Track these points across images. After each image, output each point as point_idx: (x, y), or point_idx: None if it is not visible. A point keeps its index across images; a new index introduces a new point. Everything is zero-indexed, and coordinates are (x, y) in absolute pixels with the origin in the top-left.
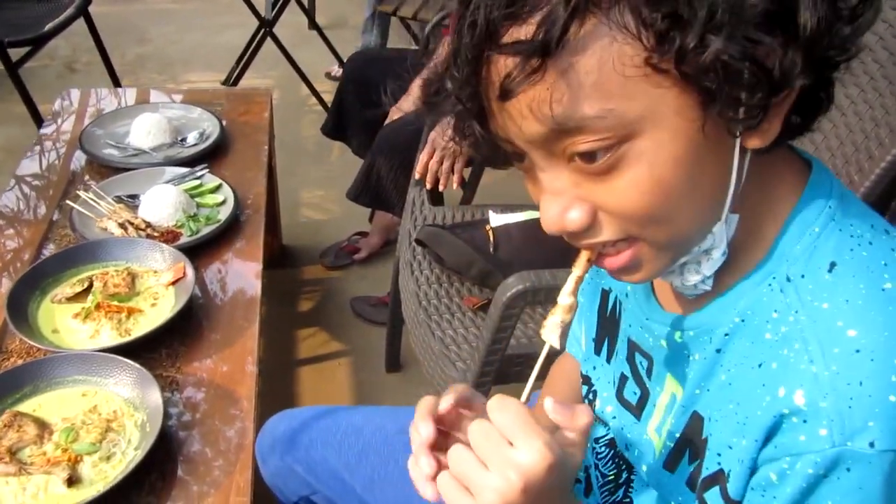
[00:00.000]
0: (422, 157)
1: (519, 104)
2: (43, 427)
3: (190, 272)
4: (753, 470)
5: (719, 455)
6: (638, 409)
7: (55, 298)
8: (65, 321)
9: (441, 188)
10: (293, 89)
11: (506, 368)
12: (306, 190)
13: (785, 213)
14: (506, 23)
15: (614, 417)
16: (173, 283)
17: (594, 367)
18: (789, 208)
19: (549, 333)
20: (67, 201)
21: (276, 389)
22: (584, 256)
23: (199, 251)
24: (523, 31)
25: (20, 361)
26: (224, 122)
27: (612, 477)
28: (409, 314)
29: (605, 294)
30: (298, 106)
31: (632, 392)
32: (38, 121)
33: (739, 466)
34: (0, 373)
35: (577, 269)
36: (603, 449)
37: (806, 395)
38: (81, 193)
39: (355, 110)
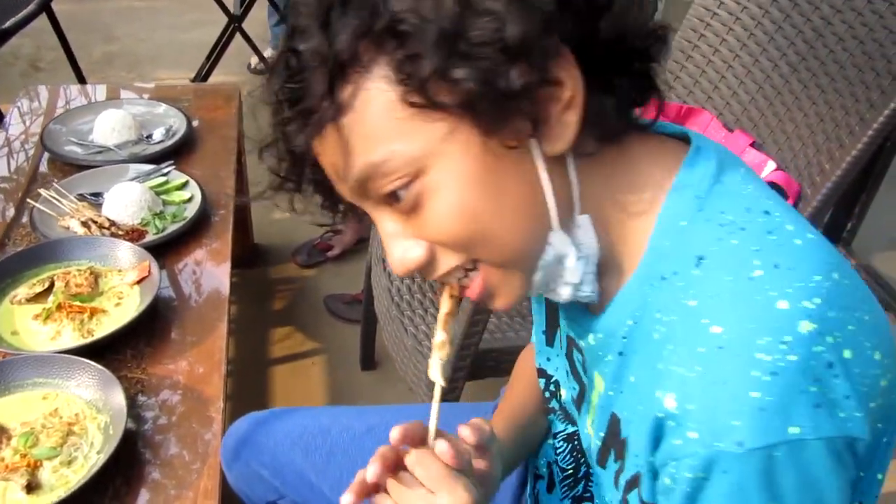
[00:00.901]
0: None
1: (327, 166)
2: (1, 432)
3: (155, 271)
4: (655, 474)
5: (636, 457)
6: (578, 404)
7: (14, 299)
8: (25, 323)
9: None
10: None
11: (479, 363)
12: None
13: (656, 208)
14: (291, 100)
15: (564, 412)
16: (138, 283)
17: (548, 359)
18: (661, 202)
19: (434, 373)
20: (28, 200)
21: (250, 390)
22: (446, 293)
23: (166, 249)
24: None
25: None
26: (192, 119)
27: (570, 471)
28: (382, 310)
29: None
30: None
31: (572, 387)
32: (0, 119)
33: (645, 470)
34: None
35: (444, 307)
36: (561, 444)
37: (676, 398)
38: (43, 192)
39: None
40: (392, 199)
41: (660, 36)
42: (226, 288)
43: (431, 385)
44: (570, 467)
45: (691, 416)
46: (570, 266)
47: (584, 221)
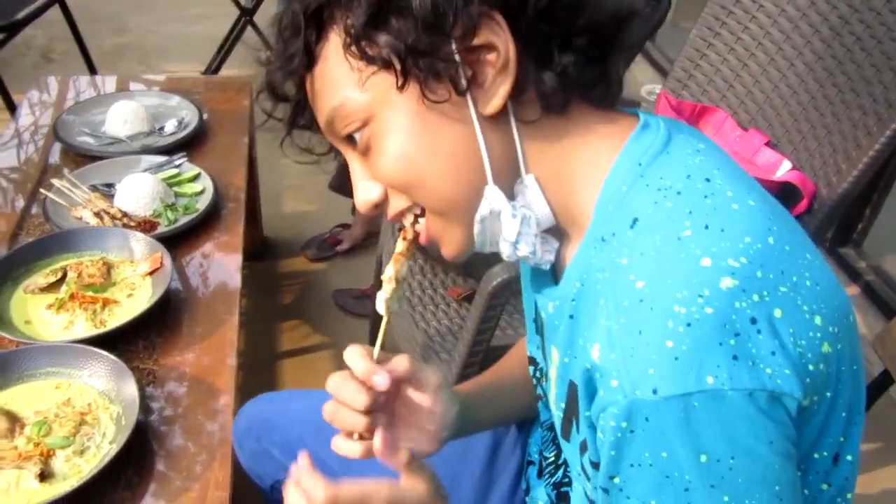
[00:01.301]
0: None
1: (315, 111)
2: (14, 421)
3: (168, 262)
4: (594, 430)
5: (584, 419)
6: (540, 393)
7: (28, 289)
8: (38, 312)
9: None
10: None
11: (490, 360)
12: (288, 181)
13: (603, 176)
14: (279, 51)
15: (545, 396)
16: (150, 274)
17: (537, 347)
18: (608, 171)
19: (379, 305)
20: (41, 190)
21: (258, 382)
22: (401, 235)
23: (178, 241)
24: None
25: None
26: (203, 112)
27: (552, 458)
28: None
29: None
30: None
31: (544, 370)
32: (13, 110)
33: (587, 427)
34: None
35: (398, 247)
36: (546, 433)
37: (600, 349)
38: (55, 182)
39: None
40: (351, 141)
41: (623, 25)
42: (237, 280)
43: None
44: (552, 454)
45: (613, 365)
46: (505, 222)
47: (529, 181)
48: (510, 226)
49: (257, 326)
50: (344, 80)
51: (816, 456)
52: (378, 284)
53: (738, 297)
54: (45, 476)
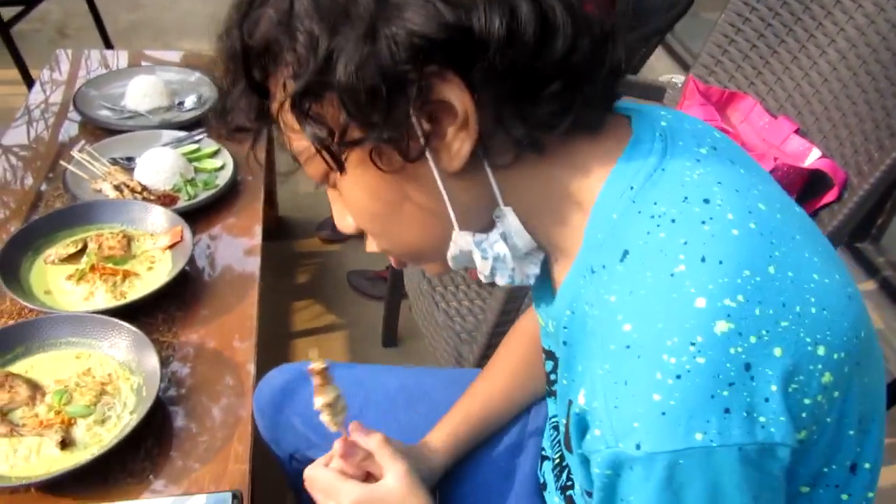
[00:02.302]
0: None
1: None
2: (35, 389)
3: (188, 236)
4: (587, 463)
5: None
6: (553, 389)
7: (48, 259)
8: (58, 282)
9: None
10: None
11: None
12: None
13: (593, 200)
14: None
15: (552, 394)
16: (170, 248)
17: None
18: (597, 193)
19: (326, 425)
20: (61, 162)
21: (270, 362)
22: (310, 374)
23: (197, 216)
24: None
25: (11, 322)
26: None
27: (557, 460)
28: (413, 285)
29: None
30: None
31: (551, 372)
32: (29, 83)
33: (578, 459)
34: None
35: (314, 381)
36: (552, 431)
37: (586, 394)
38: (76, 154)
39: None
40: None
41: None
42: (257, 255)
43: (460, 359)
44: (556, 455)
45: (596, 414)
46: (477, 261)
47: (507, 212)
48: (482, 265)
49: (271, 306)
50: (295, 126)
51: (826, 470)
52: (392, 272)
53: (733, 343)
54: (65, 444)
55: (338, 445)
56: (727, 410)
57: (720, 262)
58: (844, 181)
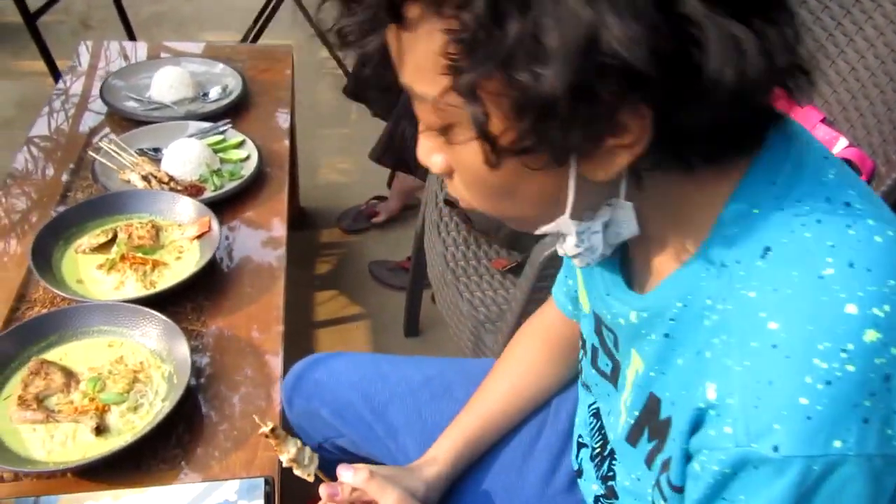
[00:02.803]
0: None
1: (395, 60)
2: (69, 376)
3: (216, 226)
4: (688, 458)
5: (674, 441)
6: (613, 380)
7: (79, 249)
8: (89, 272)
9: None
10: (312, 51)
11: None
12: (324, 153)
13: (725, 193)
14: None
15: (596, 384)
16: (198, 238)
17: (594, 332)
18: (731, 187)
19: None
20: (90, 152)
21: (292, 352)
22: (263, 435)
23: (223, 206)
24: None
25: (44, 310)
26: (247, 79)
27: (598, 449)
28: (436, 275)
29: None
30: (317, 68)
31: (605, 363)
32: (55, 75)
33: (679, 454)
34: (26, 320)
35: (271, 443)
36: (591, 419)
37: (718, 389)
38: (103, 145)
39: (377, 72)
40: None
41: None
42: (282, 245)
43: (484, 347)
44: (597, 444)
45: (730, 411)
46: (569, 243)
47: (626, 206)
48: (571, 249)
49: (293, 296)
50: (431, 74)
51: None
52: (418, 256)
53: (879, 353)
54: (100, 430)
55: (322, 492)
56: (866, 420)
57: (868, 270)
58: (872, 170)
